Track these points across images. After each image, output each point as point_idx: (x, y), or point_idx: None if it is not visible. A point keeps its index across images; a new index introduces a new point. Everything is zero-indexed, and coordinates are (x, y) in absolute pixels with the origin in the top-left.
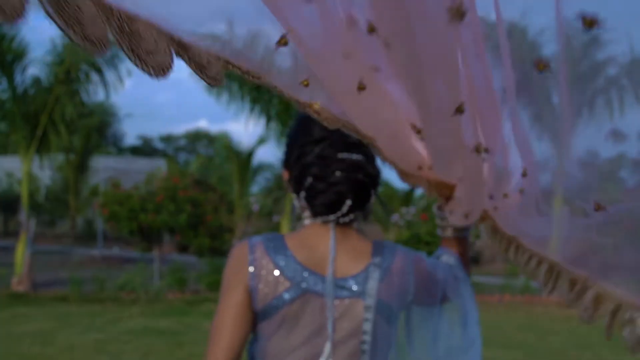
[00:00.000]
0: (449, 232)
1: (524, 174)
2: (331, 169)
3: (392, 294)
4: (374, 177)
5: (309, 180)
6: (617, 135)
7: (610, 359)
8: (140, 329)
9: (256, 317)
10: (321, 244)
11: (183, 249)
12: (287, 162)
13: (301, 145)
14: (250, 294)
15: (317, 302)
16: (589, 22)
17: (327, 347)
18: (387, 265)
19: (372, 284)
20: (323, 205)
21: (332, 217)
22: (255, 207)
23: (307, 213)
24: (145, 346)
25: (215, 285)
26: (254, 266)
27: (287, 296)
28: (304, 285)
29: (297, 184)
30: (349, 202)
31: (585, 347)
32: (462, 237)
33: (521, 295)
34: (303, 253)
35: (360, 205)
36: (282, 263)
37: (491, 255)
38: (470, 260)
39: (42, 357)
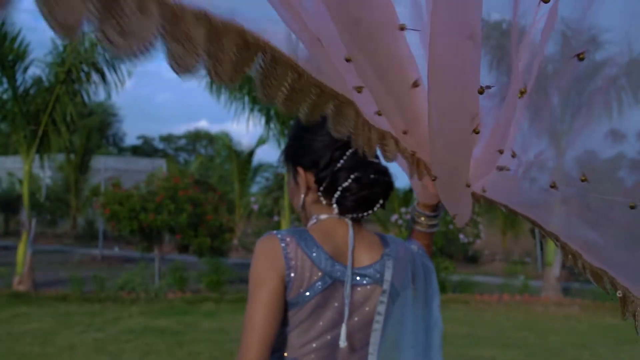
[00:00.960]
0: (420, 226)
1: (513, 155)
2: (367, 172)
3: (399, 279)
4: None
5: (348, 181)
6: (615, 135)
7: (608, 358)
8: (140, 328)
9: (286, 307)
10: (340, 237)
11: (183, 248)
12: (307, 162)
13: (333, 148)
14: (285, 284)
15: (342, 290)
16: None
17: (343, 329)
18: (395, 255)
19: (388, 272)
20: (357, 205)
21: (363, 215)
22: (255, 206)
23: (324, 209)
24: (145, 346)
25: (215, 285)
26: (288, 257)
27: (319, 285)
28: (333, 274)
29: (330, 184)
30: (380, 203)
31: (584, 346)
32: (430, 232)
33: (520, 295)
34: (329, 245)
35: (383, 205)
36: (314, 254)
37: (490, 255)
38: (468, 259)
39: (42, 356)
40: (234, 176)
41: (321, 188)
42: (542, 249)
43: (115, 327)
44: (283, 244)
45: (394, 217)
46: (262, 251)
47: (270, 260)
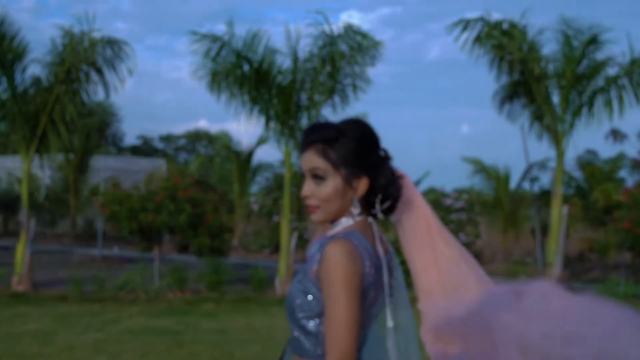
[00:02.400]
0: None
1: None
2: (397, 185)
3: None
4: None
5: (396, 186)
6: (616, 135)
7: None
8: (139, 328)
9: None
10: (370, 233)
11: (183, 248)
12: (368, 167)
13: (387, 163)
14: (363, 282)
15: (381, 277)
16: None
17: (388, 312)
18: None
19: (396, 258)
20: (390, 210)
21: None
22: (255, 206)
23: (357, 211)
24: (144, 346)
25: (214, 285)
26: (364, 259)
27: (375, 276)
28: (378, 265)
29: (382, 188)
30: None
31: None
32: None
33: None
34: (369, 241)
35: None
36: (371, 254)
37: (491, 255)
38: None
39: (41, 356)
40: (234, 176)
41: (374, 195)
42: (542, 249)
43: (114, 327)
44: (358, 249)
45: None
46: (345, 254)
47: (353, 261)
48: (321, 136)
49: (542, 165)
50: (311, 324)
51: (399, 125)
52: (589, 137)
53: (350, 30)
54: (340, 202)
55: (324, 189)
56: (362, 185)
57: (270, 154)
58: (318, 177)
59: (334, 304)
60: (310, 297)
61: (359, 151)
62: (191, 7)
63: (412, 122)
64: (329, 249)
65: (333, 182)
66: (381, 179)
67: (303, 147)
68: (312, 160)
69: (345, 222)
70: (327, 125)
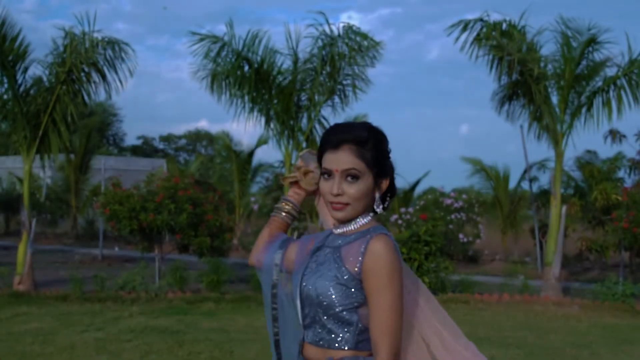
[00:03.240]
0: (284, 216)
1: None
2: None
3: None
4: None
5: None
6: (615, 135)
7: (608, 358)
8: (140, 328)
9: None
10: None
11: (183, 248)
12: (389, 168)
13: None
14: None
15: None
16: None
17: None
18: None
19: None
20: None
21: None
22: (255, 206)
23: (379, 209)
24: (145, 345)
25: (215, 284)
26: (400, 253)
27: None
28: None
29: (392, 189)
30: None
31: (583, 345)
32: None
33: (520, 295)
34: None
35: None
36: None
37: (490, 254)
38: (468, 259)
39: (42, 355)
40: (234, 176)
41: (389, 194)
42: (541, 248)
43: (115, 327)
44: (394, 240)
45: (394, 217)
46: (391, 249)
47: (398, 255)
48: (354, 137)
49: (541, 165)
50: (352, 316)
51: (398, 125)
52: (588, 137)
53: (350, 30)
54: (366, 201)
55: (358, 188)
56: (385, 185)
57: (270, 154)
58: (352, 177)
59: (384, 294)
60: (352, 289)
61: (384, 153)
62: (192, 8)
63: (412, 122)
64: (376, 244)
65: (366, 182)
66: (393, 183)
67: (333, 146)
68: (348, 160)
69: (361, 219)
70: (358, 126)
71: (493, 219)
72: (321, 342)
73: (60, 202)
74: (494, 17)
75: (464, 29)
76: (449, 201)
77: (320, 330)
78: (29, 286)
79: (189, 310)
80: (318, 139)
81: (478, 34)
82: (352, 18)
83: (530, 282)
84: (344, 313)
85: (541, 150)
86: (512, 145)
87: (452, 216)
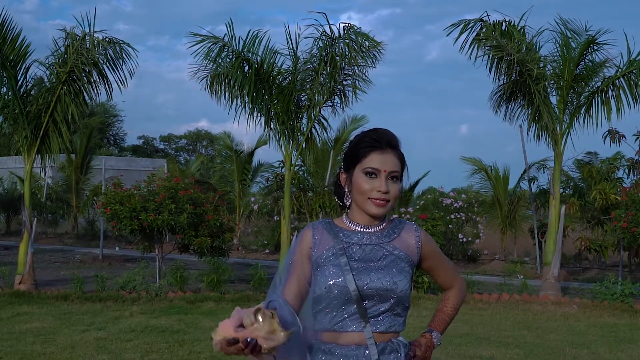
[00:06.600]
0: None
1: None
2: None
3: None
4: None
5: None
6: (614, 135)
7: (607, 357)
8: (141, 327)
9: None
10: None
11: (184, 248)
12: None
13: None
14: None
15: None
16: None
17: None
18: None
19: None
20: None
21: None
22: (255, 206)
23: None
24: (146, 345)
25: (215, 284)
26: None
27: None
28: None
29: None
30: None
31: (583, 345)
32: None
33: (519, 294)
34: None
35: None
36: None
37: (490, 254)
38: (468, 259)
39: (43, 355)
40: (235, 176)
41: None
42: (540, 248)
43: (116, 326)
44: None
45: (394, 217)
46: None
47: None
48: (396, 143)
49: (541, 165)
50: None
51: (398, 125)
52: (587, 137)
53: (350, 31)
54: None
55: (398, 188)
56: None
57: (270, 154)
58: (395, 178)
59: (443, 257)
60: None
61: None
62: (192, 8)
63: (412, 122)
64: (420, 231)
65: (400, 184)
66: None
67: (380, 148)
68: (394, 163)
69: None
70: (394, 134)
71: (492, 218)
72: (393, 328)
73: (61, 202)
74: (494, 17)
75: (464, 29)
76: (448, 201)
77: (392, 318)
78: (30, 286)
79: (189, 309)
80: (318, 139)
81: (478, 34)
82: (352, 18)
83: (530, 282)
84: (408, 298)
85: (540, 150)
86: (511, 145)
87: (452, 216)
